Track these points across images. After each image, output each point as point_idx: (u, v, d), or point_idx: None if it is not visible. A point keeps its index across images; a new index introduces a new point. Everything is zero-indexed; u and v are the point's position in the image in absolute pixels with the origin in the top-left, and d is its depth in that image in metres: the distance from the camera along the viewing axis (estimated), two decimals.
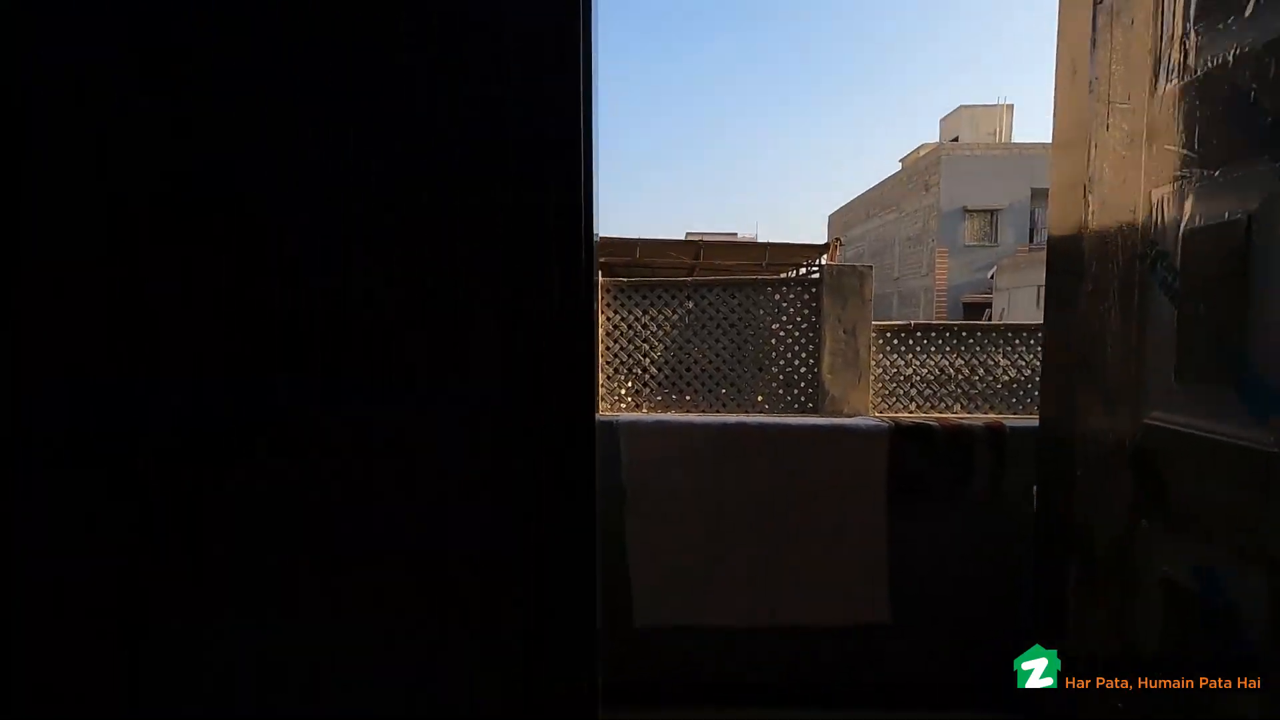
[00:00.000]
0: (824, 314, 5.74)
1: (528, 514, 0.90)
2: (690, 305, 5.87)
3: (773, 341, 5.88)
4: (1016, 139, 20.99)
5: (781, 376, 5.90)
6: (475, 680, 0.94)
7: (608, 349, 5.82)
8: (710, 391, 5.92)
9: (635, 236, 8.42)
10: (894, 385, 5.81)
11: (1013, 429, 1.75)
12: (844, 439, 1.78)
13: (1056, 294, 1.28)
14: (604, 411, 3.81)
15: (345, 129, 0.88)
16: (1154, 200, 1.00)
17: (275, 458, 0.91)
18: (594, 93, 0.90)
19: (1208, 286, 0.91)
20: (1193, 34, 0.93)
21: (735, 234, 28.06)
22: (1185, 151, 0.93)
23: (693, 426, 1.84)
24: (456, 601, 0.92)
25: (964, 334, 5.81)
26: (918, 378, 5.77)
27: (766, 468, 1.74)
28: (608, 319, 5.79)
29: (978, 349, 5.73)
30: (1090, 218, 1.15)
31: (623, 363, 5.86)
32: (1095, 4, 1.13)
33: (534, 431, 0.89)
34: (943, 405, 5.72)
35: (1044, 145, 18.09)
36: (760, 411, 5.83)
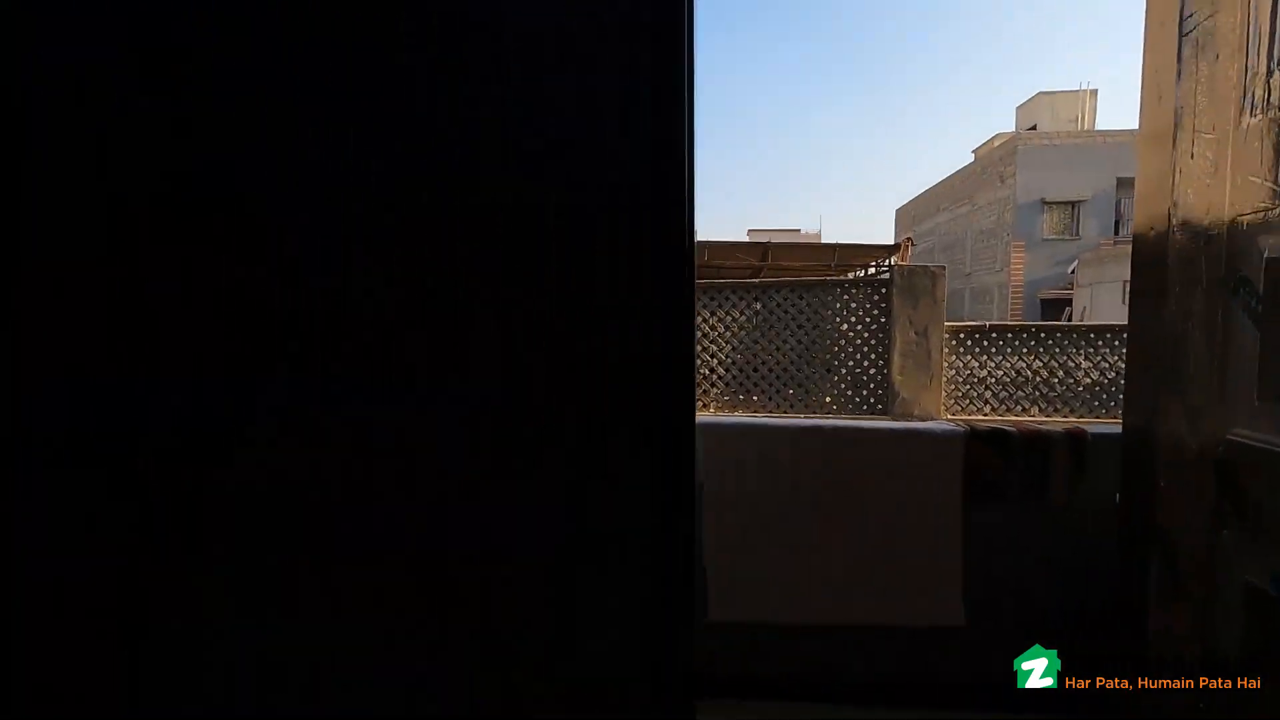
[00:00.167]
0: (894, 315, 5.69)
1: (652, 510, 0.94)
2: (758, 306, 5.92)
3: (841, 343, 5.87)
4: (1101, 126, 19.91)
5: (850, 378, 5.88)
6: (608, 671, 0.95)
7: None
8: (778, 392, 5.96)
9: (701, 239, 8.51)
10: (967, 387, 5.71)
11: (1094, 435, 1.74)
12: (919, 442, 1.80)
13: (1140, 309, 1.32)
14: None
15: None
16: (1238, 228, 1.05)
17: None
18: (694, 100, 0.90)
19: None
20: (1277, 73, 0.98)
21: (798, 230, 27.67)
22: (1270, 184, 0.98)
23: (768, 428, 1.88)
24: (591, 598, 0.94)
25: (1042, 335, 5.65)
26: (992, 379, 5.65)
27: (840, 470, 1.78)
28: None
29: (1057, 350, 5.56)
30: (1173, 239, 1.20)
31: None
32: (1181, 35, 1.18)
33: (651, 432, 0.92)
34: (1019, 408, 5.58)
35: (1130, 131, 17.12)
36: (828, 413, 5.83)
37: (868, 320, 5.85)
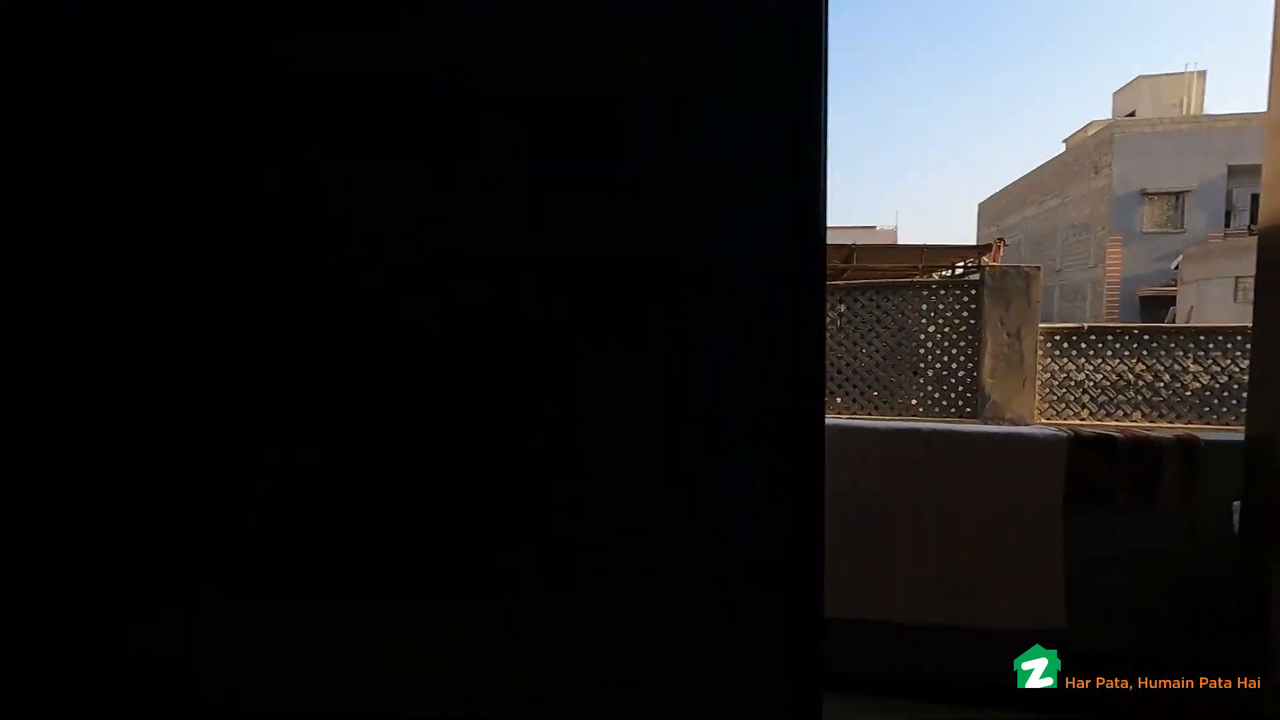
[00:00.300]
0: (985, 316, 5.55)
1: (787, 514, 0.90)
2: (842, 309, 5.90)
3: (928, 344, 5.79)
4: (1210, 110, 18.48)
5: (937, 380, 5.78)
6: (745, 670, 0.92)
7: None
8: (861, 394, 5.93)
9: None
10: (1062, 391, 5.50)
11: (1208, 442, 1.72)
12: (1020, 446, 1.83)
13: (1266, 308, 1.29)
14: None
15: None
16: None
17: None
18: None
19: None
20: None
21: (873, 227, 26.93)
22: None
23: (867, 430, 1.94)
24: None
25: (1146, 336, 5.40)
26: (1090, 383, 5.43)
27: (939, 473, 1.83)
28: None
29: (1162, 353, 5.29)
30: None
31: None
32: None
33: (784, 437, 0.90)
34: (1120, 413, 5.34)
35: (1242, 115, 15.81)
36: (914, 415, 5.73)
37: (956, 322, 5.74)
